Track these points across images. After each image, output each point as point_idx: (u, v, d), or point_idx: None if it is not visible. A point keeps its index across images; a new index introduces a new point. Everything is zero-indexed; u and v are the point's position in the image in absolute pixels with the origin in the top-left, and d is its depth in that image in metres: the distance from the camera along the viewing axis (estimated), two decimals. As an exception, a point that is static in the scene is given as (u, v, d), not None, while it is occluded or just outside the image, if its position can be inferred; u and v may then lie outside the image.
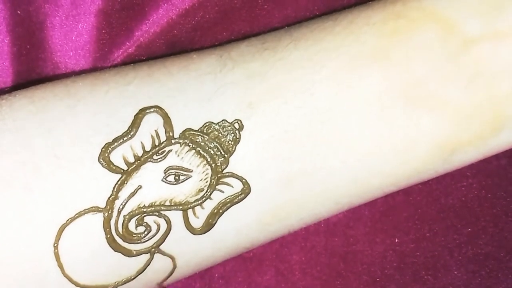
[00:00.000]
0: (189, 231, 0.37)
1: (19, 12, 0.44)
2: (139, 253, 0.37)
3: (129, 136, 0.36)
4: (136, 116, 0.37)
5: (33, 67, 0.45)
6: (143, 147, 0.36)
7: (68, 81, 0.39)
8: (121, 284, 0.38)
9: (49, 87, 0.38)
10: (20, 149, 0.36)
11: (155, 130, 0.36)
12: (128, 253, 0.37)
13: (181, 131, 0.37)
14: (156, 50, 0.45)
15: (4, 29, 0.44)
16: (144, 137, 0.36)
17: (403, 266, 0.49)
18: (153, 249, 0.37)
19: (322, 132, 0.37)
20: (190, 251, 0.38)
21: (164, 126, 0.37)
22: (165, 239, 0.37)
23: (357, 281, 0.49)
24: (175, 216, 0.37)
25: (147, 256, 0.37)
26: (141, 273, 0.38)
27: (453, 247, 0.49)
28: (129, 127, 0.36)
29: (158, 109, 0.37)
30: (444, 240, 0.49)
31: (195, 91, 0.37)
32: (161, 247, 0.37)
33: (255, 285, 0.48)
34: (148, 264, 0.38)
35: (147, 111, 0.37)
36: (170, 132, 0.36)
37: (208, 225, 0.37)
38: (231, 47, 0.39)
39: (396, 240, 0.49)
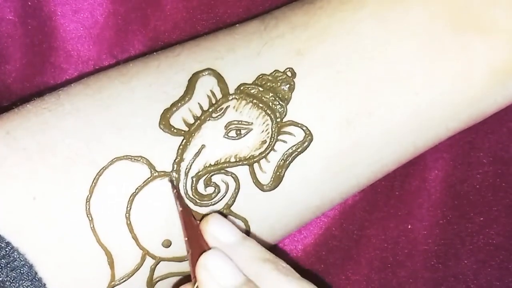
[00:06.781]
0: (258, 188, 0.37)
1: (29, 3, 0.44)
2: None
3: (186, 99, 0.37)
4: (190, 80, 0.37)
5: (47, 57, 0.45)
6: (201, 108, 0.37)
7: (119, 66, 0.40)
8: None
9: (101, 73, 0.39)
10: (82, 127, 0.36)
11: (210, 90, 0.37)
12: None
13: (235, 87, 0.37)
14: (173, 39, 0.45)
15: (16, 21, 0.44)
16: (201, 98, 0.37)
17: (414, 253, 0.48)
18: (225, 211, 0.37)
19: (373, 68, 0.37)
20: (262, 210, 0.37)
21: (218, 85, 0.37)
22: (235, 198, 0.37)
23: (368, 267, 0.48)
24: (242, 173, 0.37)
25: None
26: None
27: (465, 236, 0.48)
28: (184, 91, 0.37)
29: (211, 70, 0.37)
30: (456, 228, 0.48)
31: (243, 49, 0.38)
32: (232, 208, 0.37)
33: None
34: None
35: (200, 74, 0.37)
36: (226, 89, 0.37)
37: (276, 179, 0.37)
38: (272, 10, 0.40)
39: (409, 227, 0.48)
